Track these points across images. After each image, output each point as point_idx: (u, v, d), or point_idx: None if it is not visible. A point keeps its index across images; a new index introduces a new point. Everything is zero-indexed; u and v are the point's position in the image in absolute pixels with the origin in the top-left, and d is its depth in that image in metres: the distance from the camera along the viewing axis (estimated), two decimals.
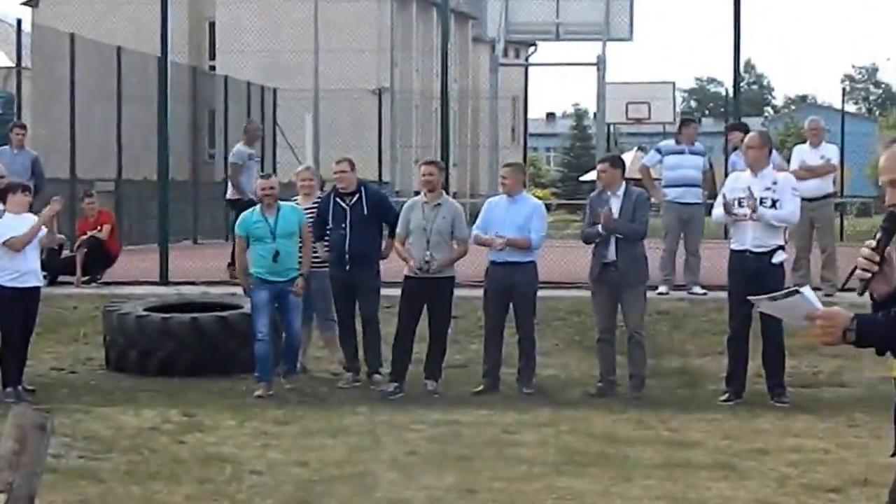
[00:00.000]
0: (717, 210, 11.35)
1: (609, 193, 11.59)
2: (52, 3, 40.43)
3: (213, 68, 40.88)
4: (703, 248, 15.99)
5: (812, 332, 4.11)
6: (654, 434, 9.80)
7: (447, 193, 12.81)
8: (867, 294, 4.20)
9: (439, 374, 11.77)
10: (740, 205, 10.99)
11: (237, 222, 12.09)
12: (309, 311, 12.46)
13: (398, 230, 11.82)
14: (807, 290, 4.13)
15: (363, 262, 11.87)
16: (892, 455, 4.28)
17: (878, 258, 4.14)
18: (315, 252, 12.09)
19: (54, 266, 16.83)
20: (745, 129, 14.61)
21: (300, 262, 11.79)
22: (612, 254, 11.43)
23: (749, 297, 4.46)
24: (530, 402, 11.16)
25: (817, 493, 7.98)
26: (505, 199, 11.86)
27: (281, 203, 11.86)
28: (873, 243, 4.16)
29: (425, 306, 11.70)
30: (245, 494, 7.92)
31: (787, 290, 4.21)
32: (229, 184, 17.39)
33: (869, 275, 4.16)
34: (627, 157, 23.19)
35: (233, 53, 37.64)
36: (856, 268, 4.17)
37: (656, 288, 15.00)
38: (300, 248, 11.80)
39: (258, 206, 11.85)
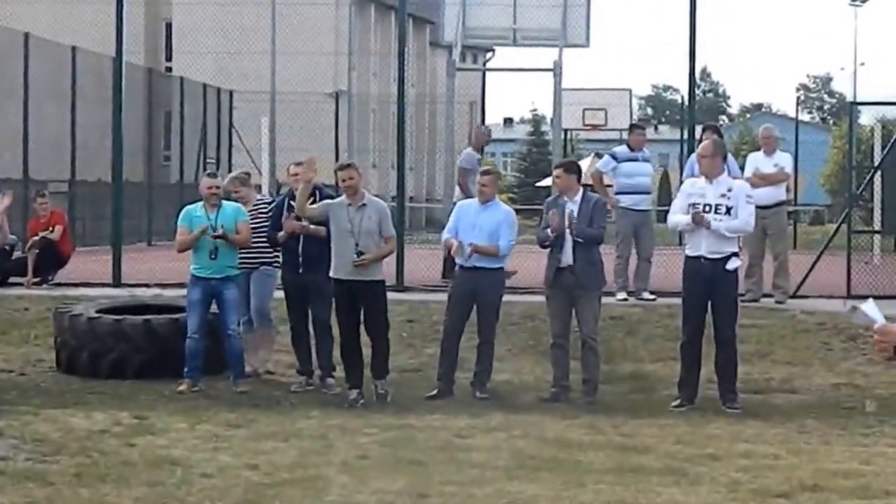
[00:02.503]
0: (674, 217, 11.38)
1: (566, 199, 11.61)
2: (6, 1, 40.14)
3: (169, 69, 40.71)
4: (656, 254, 16.06)
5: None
6: (607, 439, 9.81)
7: (404, 198, 12.79)
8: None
9: (386, 372, 11.61)
10: (694, 208, 11.05)
11: (181, 214, 12.10)
12: (247, 310, 12.48)
13: (315, 209, 11.55)
14: (864, 305, 4.03)
15: (316, 265, 11.80)
16: None
17: None
18: (249, 250, 12.14)
19: (5, 267, 16.73)
20: (718, 131, 14.71)
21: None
22: (568, 258, 11.45)
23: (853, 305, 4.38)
24: (483, 406, 11.15)
25: (767, 499, 8.01)
26: (477, 204, 11.83)
27: (224, 202, 12.01)
28: None
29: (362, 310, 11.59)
30: (195, 498, 7.87)
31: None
32: (457, 188, 17.07)
33: None
34: (584, 164, 23.27)
35: (189, 55, 37.46)
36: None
37: (613, 294, 15.04)
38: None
39: (201, 202, 11.98)
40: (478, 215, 11.70)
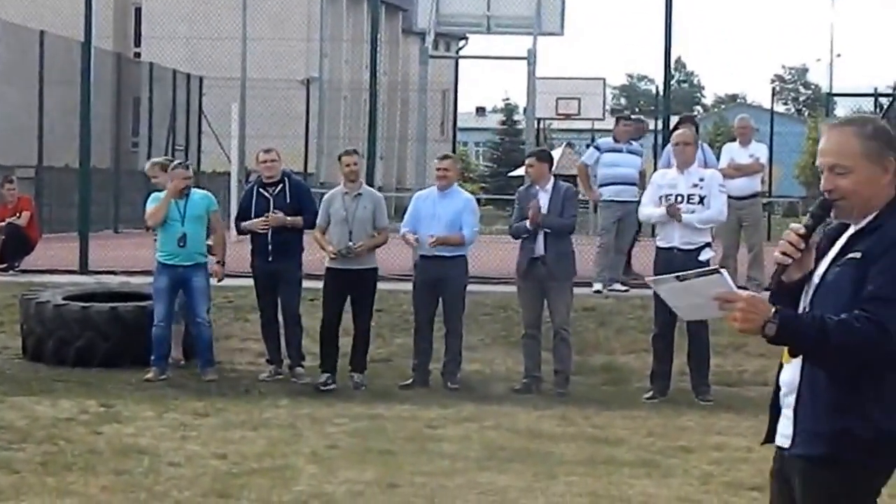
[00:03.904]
0: (646, 209, 11.31)
1: (537, 188, 11.54)
2: None
3: (138, 55, 40.44)
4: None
5: (730, 316, 3.90)
6: (578, 431, 9.76)
7: (373, 186, 12.72)
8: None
9: (364, 366, 11.67)
10: (667, 200, 10.99)
11: (148, 200, 11.98)
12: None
13: (318, 220, 11.70)
14: (725, 272, 3.95)
15: (286, 253, 11.75)
16: (763, 443, 4.20)
17: (803, 245, 4.01)
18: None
19: None
20: (696, 124, 14.65)
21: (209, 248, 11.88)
22: (540, 249, 11.38)
23: (648, 279, 4.29)
24: (454, 397, 11.09)
25: (740, 491, 7.97)
26: (435, 193, 11.75)
27: (193, 190, 11.93)
28: (802, 229, 4.01)
29: (349, 298, 11.60)
30: (162, 487, 7.78)
31: (702, 270, 4.00)
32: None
33: (790, 261, 4.01)
34: (556, 153, 23.22)
35: (158, 40, 37.24)
36: (779, 266, 4.04)
37: (590, 285, 14.98)
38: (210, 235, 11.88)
39: None
40: (436, 204, 11.62)
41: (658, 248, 11.19)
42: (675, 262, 10.93)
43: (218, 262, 11.90)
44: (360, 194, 11.64)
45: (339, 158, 11.88)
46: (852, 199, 3.98)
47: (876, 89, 23.16)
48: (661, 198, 11.06)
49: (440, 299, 11.67)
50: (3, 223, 17.30)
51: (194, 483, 7.86)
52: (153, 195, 12.00)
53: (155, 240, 12.19)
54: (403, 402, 10.79)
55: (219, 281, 11.99)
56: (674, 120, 16.08)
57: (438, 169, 11.76)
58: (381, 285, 12.02)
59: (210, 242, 11.96)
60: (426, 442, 9.20)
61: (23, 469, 8.09)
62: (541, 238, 11.38)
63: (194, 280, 11.69)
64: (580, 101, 31.89)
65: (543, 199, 11.43)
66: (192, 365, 12.06)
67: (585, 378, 11.96)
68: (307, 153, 36.34)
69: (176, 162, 12.81)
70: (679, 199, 10.97)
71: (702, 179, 11.13)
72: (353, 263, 11.47)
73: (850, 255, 3.95)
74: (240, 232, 12.15)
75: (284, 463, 8.45)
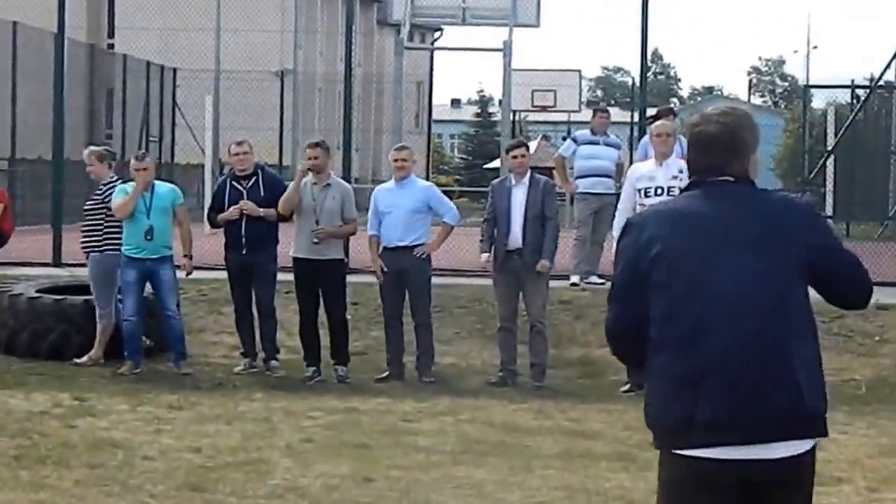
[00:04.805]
0: (620, 221, 11.23)
1: (513, 182, 11.50)
2: None
3: (111, 46, 40.24)
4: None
5: None
6: (555, 424, 9.75)
7: (349, 178, 12.67)
8: None
9: (347, 357, 11.64)
10: (646, 195, 10.96)
11: (114, 192, 11.89)
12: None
13: (289, 197, 11.52)
14: None
15: (259, 246, 11.70)
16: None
17: None
18: (93, 231, 11.89)
19: None
20: (676, 115, 14.62)
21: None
22: (516, 241, 11.35)
23: None
24: (429, 390, 11.07)
25: None
26: (393, 185, 11.73)
27: (157, 182, 11.84)
28: None
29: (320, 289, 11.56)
30: (136, 480, 7.74)
31: None
32: None
33: None
34: (532, 146, 23.17)
35: (132, 31, 37.03)
36: None
37: (567, 278, 14.95)
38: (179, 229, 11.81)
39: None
40: (396, 195, 11.59)
41: None
42: None
43: (185, 256, 11.84)
44: (328, 185, 11.58)
45: (305, 150, 11.83)
46: None
47: (853, 81, 23.13)
48: (639, 191, 11.03)
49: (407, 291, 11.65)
50: None
51: (168, 477, 7.82)
52: (119, 187, 11.94)
53: (83, 230, 12.09)
54: (379, 395, 10.76)
55: (188, 274, 11.93)
56: (650, 112, 16.03)
57: (396, 160, 11.74)
58: (355, 278, 12.01)
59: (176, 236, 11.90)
60: (402, 435, 9.18)
61: None
62: (517, 230, 11.35)
63: (161, 273, 11.63)
64: (556, 93, 31.84)
65: (521, 192, 11.40)
66: (165, 358, 11.99)
67: (561, 371, 11.95)
68: (282, 145, 36.26)
69: (140, 152, 12.78)
70: (658, 191, 10.94)
71: (681, 171, 11.10)
72: (316, 253, 11.41)
73: None
74: (213, 225, 12.08)
75: (259, 456, 8.41)
